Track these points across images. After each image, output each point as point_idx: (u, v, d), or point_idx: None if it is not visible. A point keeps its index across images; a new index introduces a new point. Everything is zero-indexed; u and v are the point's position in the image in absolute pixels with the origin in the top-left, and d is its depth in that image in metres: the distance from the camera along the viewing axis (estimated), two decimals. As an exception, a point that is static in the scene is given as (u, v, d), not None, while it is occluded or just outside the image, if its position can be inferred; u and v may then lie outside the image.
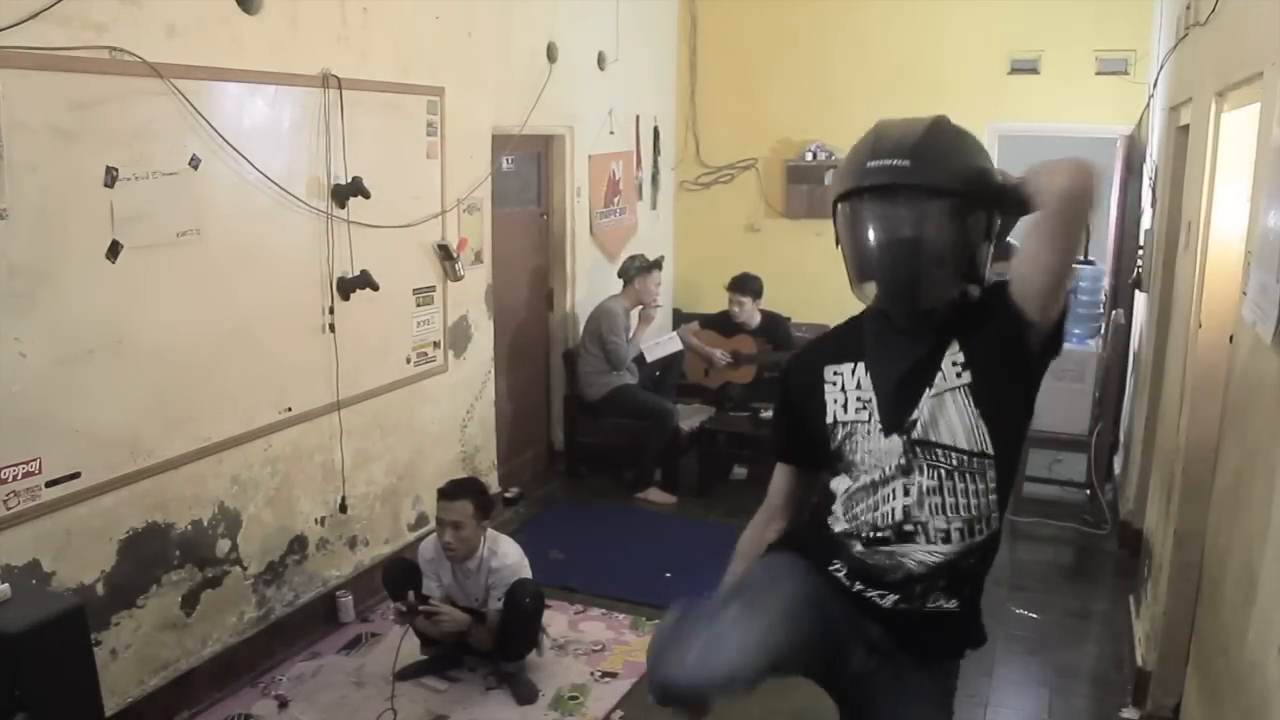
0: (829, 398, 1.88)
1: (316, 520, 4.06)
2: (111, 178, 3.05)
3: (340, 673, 3.84)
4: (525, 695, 3.69)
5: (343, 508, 4.17)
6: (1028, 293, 1.74)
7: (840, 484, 1.88)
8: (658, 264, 5.98)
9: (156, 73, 3.13)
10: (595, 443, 5.98)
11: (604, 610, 4.38)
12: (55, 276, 2.92)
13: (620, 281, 5.98)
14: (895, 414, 1.81)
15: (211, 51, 3.36)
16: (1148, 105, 5.96)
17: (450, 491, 3.67)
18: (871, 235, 1.72)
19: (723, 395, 6.13)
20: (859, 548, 1.86)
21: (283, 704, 3.61)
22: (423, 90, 4.44)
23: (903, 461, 1.80)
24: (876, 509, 1.83)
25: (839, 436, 1.87)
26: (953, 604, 1.87)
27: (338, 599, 4.17)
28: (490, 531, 3.76)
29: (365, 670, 3.85)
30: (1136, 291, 5.62)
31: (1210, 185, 3.28)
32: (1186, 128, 4.09)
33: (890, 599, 1.86)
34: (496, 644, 3.70)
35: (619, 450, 5.91)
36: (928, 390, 1.79)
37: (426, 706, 3.63)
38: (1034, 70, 6.49)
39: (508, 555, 3.72)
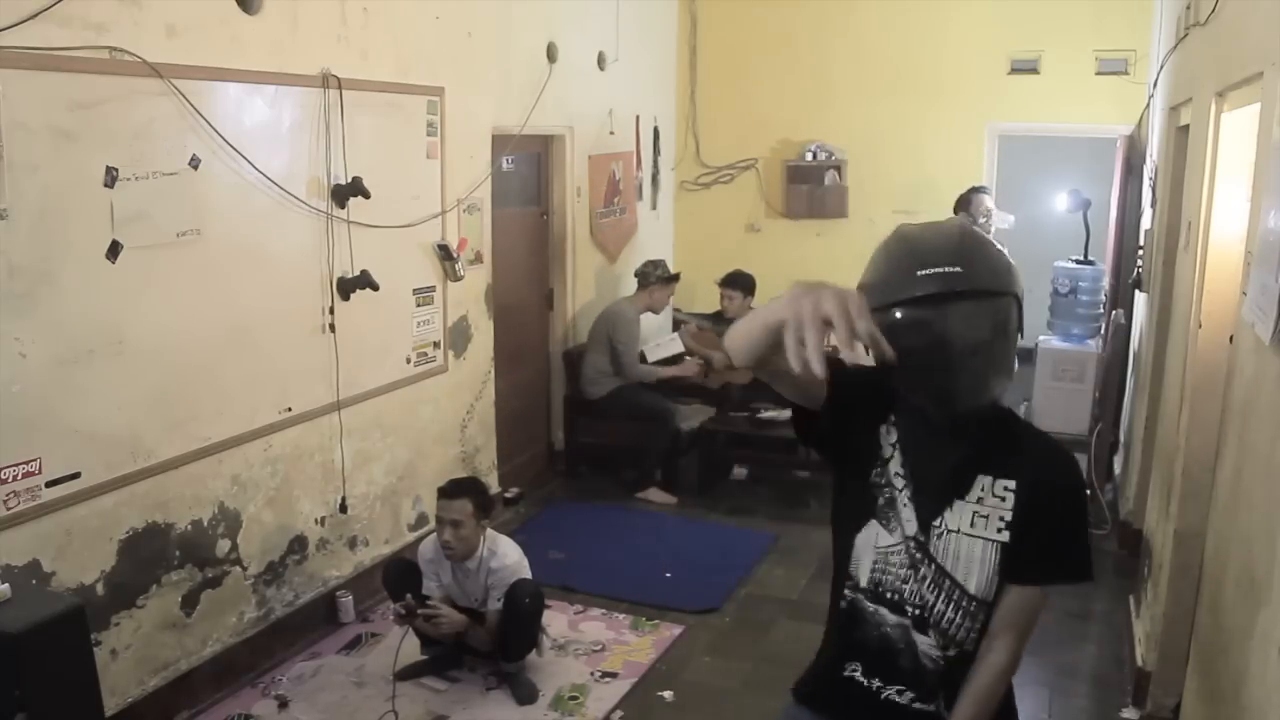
0: (885, 442, 1.84)
1: (316, 520, 4.06)
2: (111, 178, 3.05)
3: (340, 673, 3.84)
4: (525, 695, 3.69)
5: (343, 508, 4.17)
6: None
7: (874, 536, 1.85)
8: (677, 278, 6.02)
9: (156, 73, 3.13)
10: (595, 443, 5.98)
11: (604, 610, 4.38)
12: (55, 276, 2.92)
13: (626, 281, 5.96)
14: (922, 514, 1.81)
15: (211, 51, 3.37)
16: (1148, 105, 5.96)
17: (450, 490, 3.67)
18: (920, 340, 1.68)
19: (723, 395, 6.14)
20: (882, 610, 1.85)
21: (283, 704, 3.61)
22: (423, 90, 4.44)
23: (917, 553, 1.81)
24: (908, 582, 1.83)
25: (882, 481, 1.84)
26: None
27: (338, 599, 4.17)
28: (490, 532, 3.76)
29: (365, 670, 3.85)
30: (1136, 291, 5.62)
31: (1210, 185, 3.28)
32: (1186, 128, 4.09)
33: (908, 695, 1.86)
34: (496, 644, 3.70)
35: (619, 450, 5.91)
36: (957, 502, 1.79)
37: (426, 706, 3.63)
38: (1034, 70, 6.49)
39: (507, 555, 3.72)
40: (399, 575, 3.78)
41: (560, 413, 6.09)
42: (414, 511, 4.65)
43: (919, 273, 1.69)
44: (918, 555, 1.80)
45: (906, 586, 1.82)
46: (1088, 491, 1.83)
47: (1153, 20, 6.04)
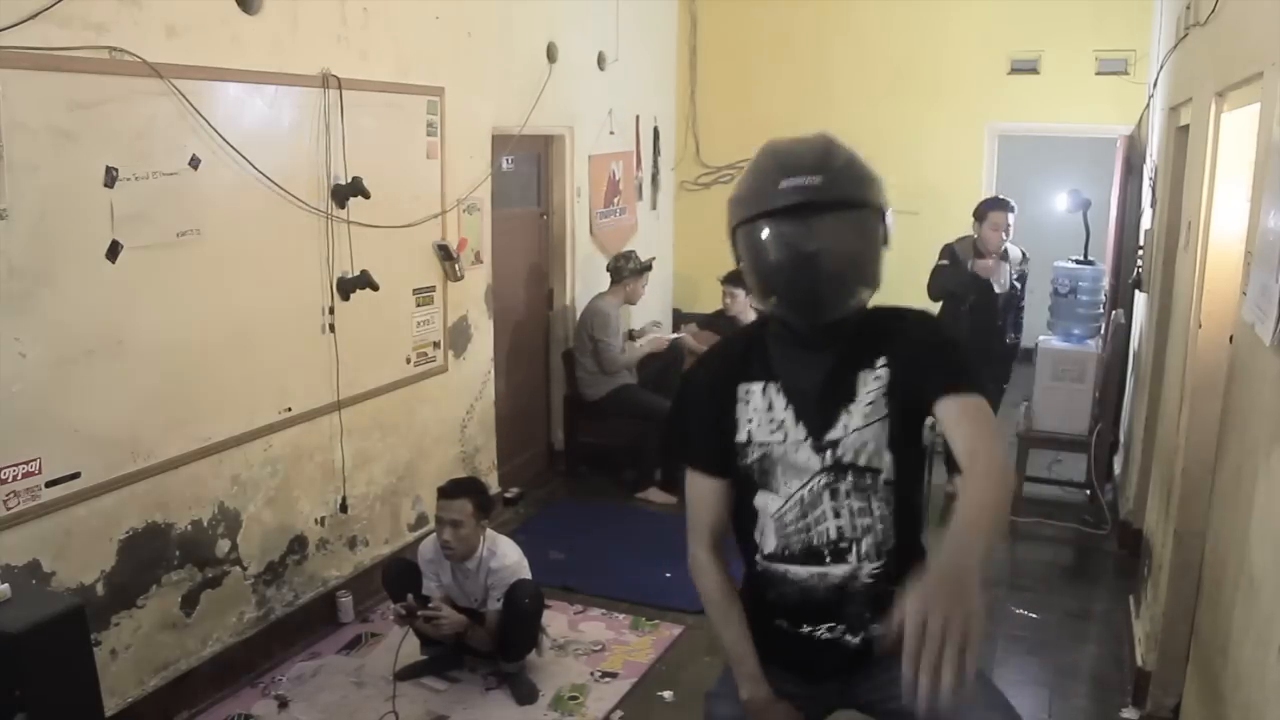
0: (741, 416, 1.91)
1: (316, 520, 4.06)
2: (111, 178, 3.05)
3: (340, 673, 3.84)
4: (525, 695, 3.69)
5: (343, 508, 4.17)
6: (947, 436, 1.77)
7: (767, 502, 1.92)
8: (649, 266, 5.95)
9: (156, 73, 3.13)
10: (595, 443, 5.98)
11: (604, 610, 4.38)
12: (55, 276, 2.92)
13: (608, 278, 5.93)
14: (816, 431, 1.86)
15: (211, 51, 3.36)
16: (1148, 105, 5.96)
17: (450, 490, 3.67)
18: (786, 250, 1.77)
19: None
20: (793, 568, 1.92)
21: (283, 704, 3.61)
22: (423, 90, 4.44)
23: (829, 480, 1.86)
24: (809, 530, 1.89)
25: (754, 455, 1.91)
26: (875, 617, 1.91)
27: (338, 599, 4.17)
28: (490, 532, 3.76)
29: (365, 670, 3.85)
30: (1136, 291, 5.62)
31: (1210, 185, 3.28)
32: (1186, 128, 4.09)
33: (838, 629, 1.93)
34: (496, 644, 3.70)
35: (619, 450, 5.91)
36: (849, 405, 1.85)
37: (426, 706, 3.63)
38: (1034, 70, 6.50)
39: (507, 556, 3.72)
40: (399, 575, 3.78)
41: (560, 413, 6.09)
42: (414, 511, 4.65)
43: (781, 184, 1.75)
44: (830, 478, 1.86)
45: (812, 532, 1.89)
46: (947, 325, 1.90)
47: (1153, 20, 6.04)
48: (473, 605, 3.71)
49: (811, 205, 1.73)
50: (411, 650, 3.76)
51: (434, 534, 3.74)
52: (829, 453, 1.86)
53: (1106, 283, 6.11)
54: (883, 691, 1.90)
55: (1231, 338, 2.82)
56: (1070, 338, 5.87)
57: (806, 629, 1.95)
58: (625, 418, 5.75)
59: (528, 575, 3.76)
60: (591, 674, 3.87)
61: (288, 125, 3.72)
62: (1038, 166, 8.15)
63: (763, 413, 1.89)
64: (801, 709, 1.98)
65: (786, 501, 1.90)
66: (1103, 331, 5.94)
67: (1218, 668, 2.51)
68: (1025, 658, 4.03)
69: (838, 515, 1.87)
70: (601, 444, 5.98)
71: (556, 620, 4.18)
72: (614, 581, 4.62)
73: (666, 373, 6.12)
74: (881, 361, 1.85)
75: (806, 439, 1.86)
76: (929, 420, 1.85)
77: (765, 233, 1.78)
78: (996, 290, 5.54)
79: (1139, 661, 3.73)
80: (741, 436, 1.91)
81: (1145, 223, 5.55)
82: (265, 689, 3.71)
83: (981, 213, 5.59)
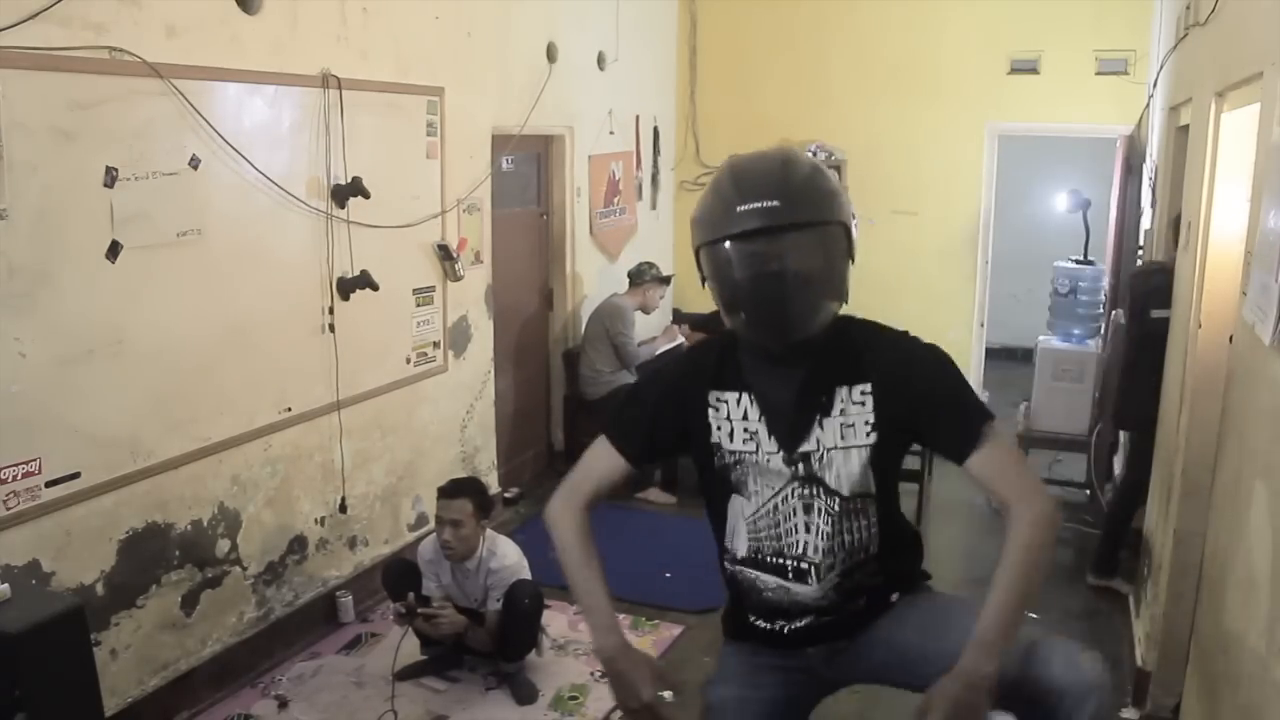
0: (713, 422, 1.91)
1: (316, 520, 4.06)
2: (111, 178, 3.05)
3: (340, 673, 3.84)
4: (525, 695, 3.69)
5: (343, 508, 4.17)
6: (977, 478, 1.81)
7: (739, 506, 1.92)
8: (669, 280, 6.05)
9: (156, 73, 3.13)
10: (595, 443, 5.97)
11: (604, 610, 4.37)
12: (55, 276, 2.92)
13: (626, 281, 5.97)
14: (788, 441, 1.86)
15: (211, 51, 3.36)
16: (1148, 105, 5.96)
17: (450, 490, 3.67)
18: (747, 273, 1.76)
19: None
20: (763, 575, 1.92)
21: (283, 704, 3.61)
22: (422, 90, 4.44)
23: (802, 492, 1.86)
24: (780, 539, 1.89)
25: (726, 460, 1.91)
26: (861, 601, 1.92)
27: (338, 599, 4.17)
28: (489, 532, 3.76)
29: (365, 670, 3.85)
30: (1136, 291, 5.61)
31: (1210, 185, 3.28)
32: (1186, 128, 4.09)
33: (809, 619, 1.92)
34: (496, 644, 3.70)
35: (619, 450, 5.89)
36: (823, 419, 1.84)
37: (426, 706, 3.63)
38: (1034, 70, 6.49)
39: (507, 556, 3.72)
40: (399, 575, 3.78)
41: (560, 413, 6.09)
42: (414, 511, 4.65)
43: (739, 209, 1.75)
44: (801, 491, 1.85)
45: (784, 541, 1.88)
46: (945, 353, 1.87)
47: (1152, 20, 6.04)
48: (473, 605, 3.71)
49: (770, 228, 1.73)
50: (411, 650, 3.76)
51: (434, 534, 3.74)
52: (801, 465, 1.85)
53: (1106, 283, 6.11)
54: (879, 666, 1.92)
55: (1231, 338, 2.82)
56: (1070, 338, 5.87)
57: (780, 624, 1.95)
58: (625, 418, 5.74)
59: (528, 575, 3.76)
60: (591, 674, 3.87)
61: (288, 125, 3.72)
62: (1038, 166, 8.16)
63: (737, 421, 1.89)
64: (786, 683, 1.98)
65: (760, 507, 1.90)
66: (1103, 331, 5.94)
67: (1218, 668, 2.51)
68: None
69: (808, 530, 1.87)
70: (601, 444, 5.96)
71: (556, 620, 4.18)
72: (614, 581, 4.52)
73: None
74: (865, 386, 1.83)
75: (778, 451, 1.86)
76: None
77: (726, 254, 1.78)
78: None
79: (1139, 661, 3.72)
80: (714, 439, 1.91)
81: (1145, 223, 5.55)
82: (265, 689, 3.71)
83: None
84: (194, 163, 3.33)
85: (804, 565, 1.87)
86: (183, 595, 3.47)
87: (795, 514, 1.87)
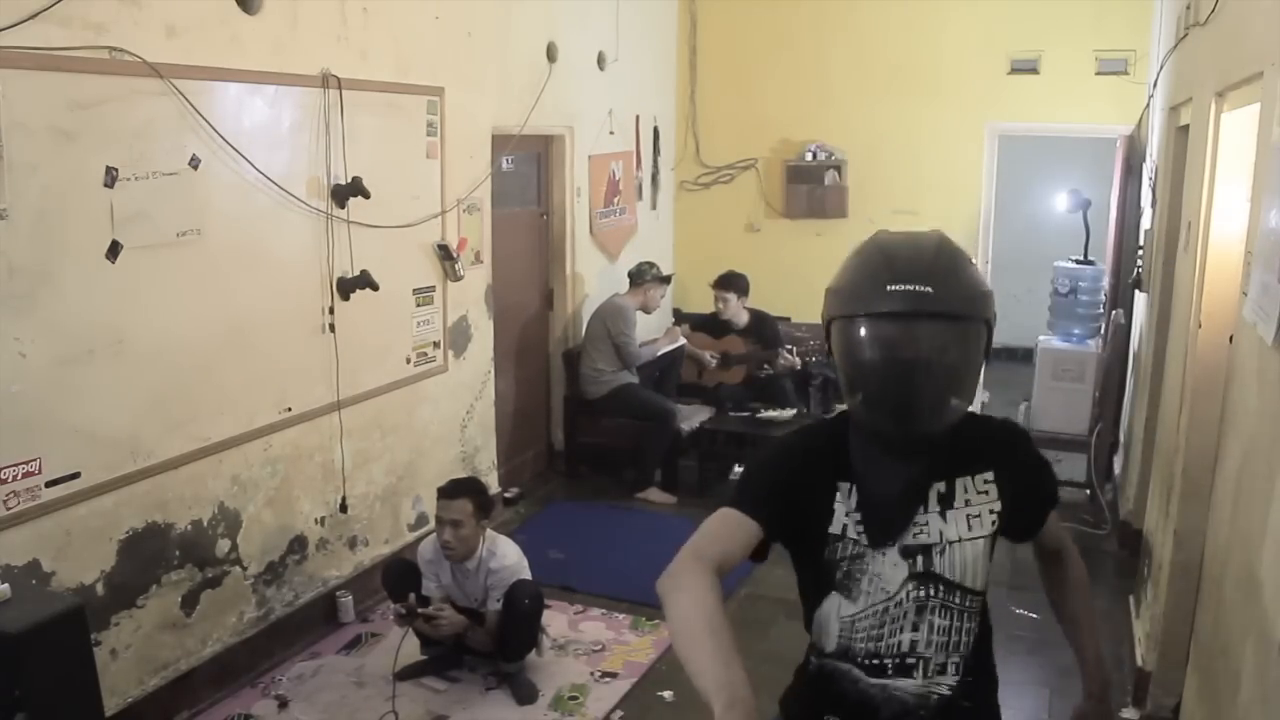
0: (840, 509, 1.78)
1: (316, 520, 4.06)
2: (111, 178, 3.05)
3: (340, 673, 3.84)
4: (525, 695, 3.69)
5: (343, 508, 4.17)
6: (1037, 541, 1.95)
7: (836, 606, 1.81)
8: (669, 279, 6.07)
9: (156, 73, 3.13)
10: (595, 443, 5.98)
11: (604, 610, 4.38)
12: (55, 276, 2.92)
13: (626, 281, 5.98)
14: (892, 536, 1.77)
15: (211, 51, 3.36)
16: (1148, 105, 5.96)
17: (450, 490, 3.67)
18: (883, 355, 1.67)
19: (722, 395, 6.14)
20: (854, 672, 1.82)
21: (283, 704, 3.61)
22: (422, 90, 4.44)
23: (917, 593, 1.76)
24: (880, 640, 1.79)
25: (845, 552, 1.79)
26: (949, 698, 1.82)
27: (338, 599, 4.17)
28: (489, 532, 3.76)
29: (365, 670, 3.85)
30: (1136, 291, 5.62)
31: (1210, 185, 3.28)
32: (1186, 128, 4.09)
33: None
34: (496, 644, 3.70)
35: (619, 450, 5.91)
36: (948, 512, 1.76)
37: (426, 706, 3.63)
38: (1034, 70, 6.49)
39: (507, 556, 3.72)
40: (399, 575, 3.78)
41: (560, 413, 6.10)
42: (414, 511, 4.65)
43: (889, 288, 1.65)
44: (916, 590, 1.75)
45: (881, 643, 1.78)
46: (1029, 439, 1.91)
47: (1153, 20, 6.04)
48: (473, 605, 3.71)
49: (916, 313, 1.64)
50: (411, 650, 3.76)
51: (434, 534, 3.74)
52: (919, 559, 1.75)
53: (1106, 283, 6.11)
54: None
55: (1231, 338, 2.82)
56: (1070, 338, 5.88)
57: None
58: (626, 417, 5.76)
59: (528, 575, 3.76)
60: (591, 674, 3.87)
61: (288, 125, 3.72)
62: (1038, 166, 8.16)
63: (852, 514, 1.78)
64: None
65: (864, 609, 1.78)
66: (1103, 331, 5.95)
67: (1218, 668, 2.51)
68: (1025, 658, 4.03)
69: (915, 629, 1.77)
70: (601, 444, 5.98)
71: (556, 620, 4.18)
72: (614, 581, 4.62)
73: (667, 373, 6.14)
74: (988, 475, 1.77)
75: (890, 543, 1.75)
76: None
77: (864, 331, 1.67)
78: None
79: (1139, 661, 3.72)
80: (835, 529, 1.78)
81: (1145, 223, 5.55)
82: (265, 689, 3.71)
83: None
84: (194, 163, 3.33)
85: (910, 661, 1.78)
86: (183, 595, 3.47)
87: (906, 616, 1.77)
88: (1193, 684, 2.91)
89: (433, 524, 3.90)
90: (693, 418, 5.93)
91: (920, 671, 1.78)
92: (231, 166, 3.47)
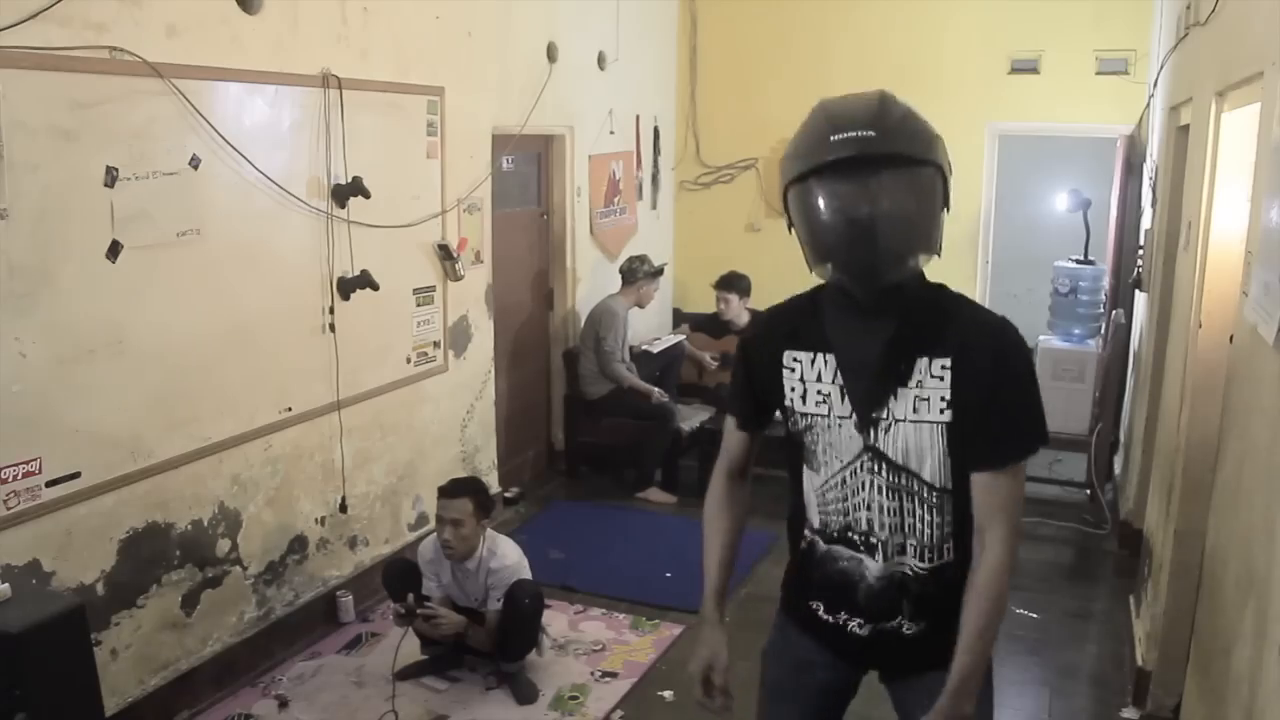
0: (786, 384, 1.85)
1: (316, 520, 4.06)
2: (111, 178, 3.05)
3: (340, 673, 3.84)
4: (525, 695, 3.69)
5: (343, 508, 4.17)
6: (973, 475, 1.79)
7: (812, 480, 1.89)
8: (661, 270, 6.04)
9: (156, 73, 3.13)
10: (595, 443, 5.99)
11: (604, 610, 4.38)
12: (55, 276, 2.92)
13: (619, 279, 5.98)
14: (862, 408, 1.78)
15: (211, 51, 3.36)
16: (1148, 105, 5.96)
17: (450, 489, 3.67)
18: (838, 210, 1.66)
19: (722, 395, 6.15)
20: (835, 548, 1.89)
21: (283, 704, 3.61)
22: (423, 90, 4.44)
23: (871, 466, 1.79)
24: (848, 514, 1.85)
25: (799, 425, 1.85)
26: (920, 626, 1.87)
27: (338, 599, 4.17)
28: (490, 532, 3.76)
29: (365, 670, 3.85)
30: (1136, 291, 5.62)
31: (1210, 185, 3.28)
32: (1186, 128, 4.09)
33: (867, 628, 1.89)
34: (496, 644, 3.70)
35: (619, 450, 5.91)
36: (898, 389, 1.75)
37: (426, 706, 3.63)
38: (1034, 70, 6.49)
39: (507, 556, 3.72)
40: (399, 575, 3.78)
41: (560, 413, 6.10)
42: (414, 511, 4.65)
43: (832, 138, 1.66)
44: (870, 464, 1.80)
45: (849, 517, 1.85)
46: (1031, 356, 1.78)
47: (1153, 20, 6.04)
48: (473, 605, 3.71)
49: (866, 161, 1.61)
50: (411, 650, 3.76)
51: (434, 534, 3.74)
52: (871, 432, 1.77)
53: (1106, 283, 6.11)
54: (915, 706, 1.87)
55: (1231, 338, 2.82)
56: (1070, 338, 5.87)
57: (843, 618, 1.90)
58: (626, 417, 5.76)
59: (528, 575, 3.76)
60: (591, 674, 3.87)
61: (288, 125, 3.72)
62: (1038, 166, 8.15)
63: (811, 383, 1.81)
64: (827, 679, 2.00)
65: (828, 479, 1.84)
66: (1103, 331, 5.94)
67: (1218, 668, 2.51)
68: (1025, 658, 4.03)
69: (868, 508, 1.81)
70: (601, 444, 5.98)
71: (556, 620, 4.18)
72: (614, 581, 4.62)
73: (667, 373, 6.14)
74: (945, 361, 1.74)
75: (850, 415, 1.78)
76: None
77: (817, 192, 1.67)
78: None
79: (1139, 661, 3.72)
80: (788, 401, 1.85)
81: (1145, 223, 5.55)
82: (265, 689, 3.71)
83: None
84: (194, 162, 3.33)
85: (872, 540, 1.83)
86: (183, 595, 3.47)
87: (863, 489, 1.80)
88: (1193, 684, 2.91)
89: (433, 524, 3.90)
90: (693, 418, 5.93)
91: (881, 553, 1.84)
92: (232, 166, 3.47)
